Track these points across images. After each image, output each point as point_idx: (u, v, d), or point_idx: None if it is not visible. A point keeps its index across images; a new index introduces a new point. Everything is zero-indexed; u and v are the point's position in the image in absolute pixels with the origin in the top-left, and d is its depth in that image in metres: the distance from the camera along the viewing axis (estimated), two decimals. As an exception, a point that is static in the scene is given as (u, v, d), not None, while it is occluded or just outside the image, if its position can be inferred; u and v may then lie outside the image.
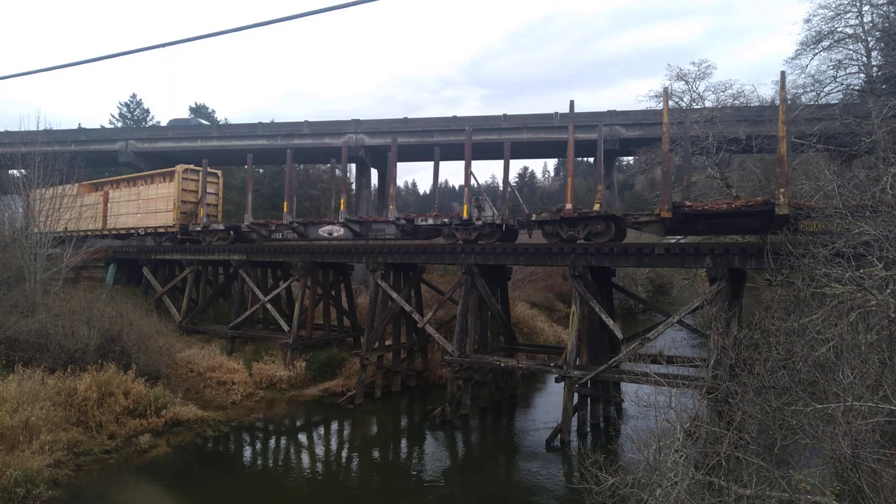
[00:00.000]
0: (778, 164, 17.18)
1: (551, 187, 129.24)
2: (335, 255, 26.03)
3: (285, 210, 27.52)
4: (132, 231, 33.07)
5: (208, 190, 31.31)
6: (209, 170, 31.58)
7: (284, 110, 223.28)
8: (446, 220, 23.15)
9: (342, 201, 26.27)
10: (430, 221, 23.76)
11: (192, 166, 31.93)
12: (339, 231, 26.23)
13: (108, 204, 34.10)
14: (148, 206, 32.09)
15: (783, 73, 17.92)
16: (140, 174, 31.85)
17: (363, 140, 45.85)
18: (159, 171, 32.33)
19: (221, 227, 29.68)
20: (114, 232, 34.11)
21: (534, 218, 21.54)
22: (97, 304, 23.67)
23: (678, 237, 25.37)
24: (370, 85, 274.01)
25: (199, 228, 30.16)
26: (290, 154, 28.83)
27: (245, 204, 30.35)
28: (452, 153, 46.09)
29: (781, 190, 16.74)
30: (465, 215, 22.33)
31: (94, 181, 29.45)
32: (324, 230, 26.70)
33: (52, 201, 28.33)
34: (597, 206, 20.23)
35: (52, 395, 17.78)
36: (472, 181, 22.60)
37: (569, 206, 20.24)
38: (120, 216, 34.11)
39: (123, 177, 32.44)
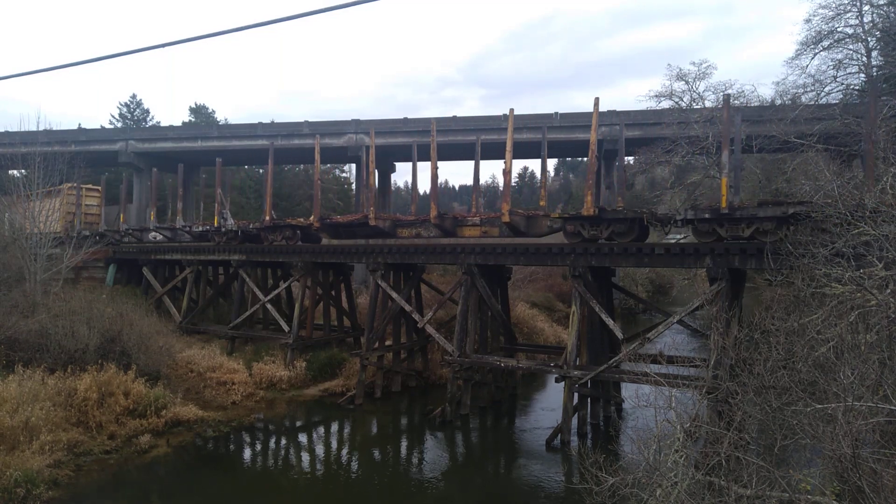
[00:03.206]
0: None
1: (551, 187, 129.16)
2: (335, 255, 26.09)
3: (122, 218, 35.12)
4: None
5: (89, 202, 37.23)
6: (92, 186, 37.68)
7: (284, 110, 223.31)
8: (208, 227, 30.82)
9: (152, 213, 33.81)
10: (201, 228, 31.54)
11: (75, 184, 36.30)
12: (159, 236, 33.21)
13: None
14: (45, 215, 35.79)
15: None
16: (48, 189, 33.70)
17: (363, 140, 45.83)
18: (55, 187, 34.82)
19: (88, 233, 33.84)
20: None
21: (255, 225, 29.05)
22: (97, 304, 23.65)
23: (679, 237, 25.44)
24: (370, 85, 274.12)
25: (74, 235, 33.91)
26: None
27: (113, 210, 36.81)
28: (452, 153, 46.09)
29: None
30: (215, 223, 30.01)
31: (27, 193, 31.87)
32: (151, 235, 33.46)
33: None
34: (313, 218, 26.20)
35: (52, 395, 17.77)
36: (221, 197, 30.47)
37: (267, 217, 27.98)
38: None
39: (42, 190, 34.26)
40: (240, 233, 29.16)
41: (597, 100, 19.92)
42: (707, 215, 17.82)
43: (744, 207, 17.37)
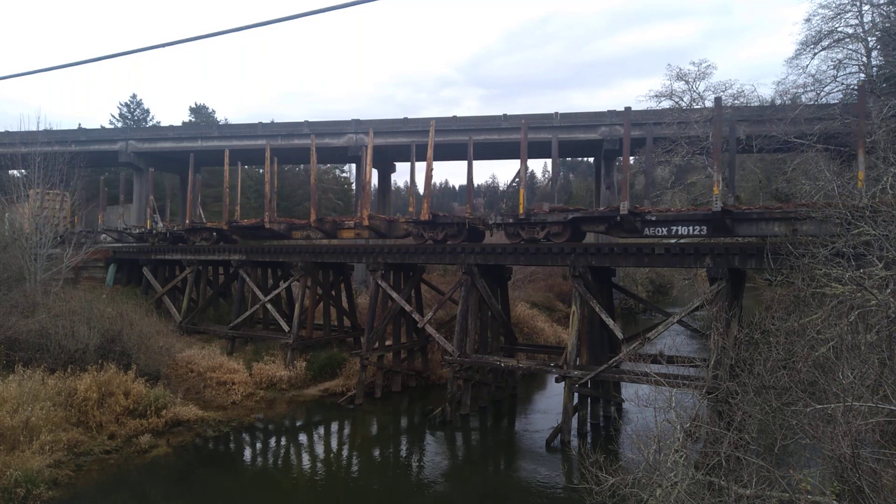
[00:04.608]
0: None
1: (550, 187, 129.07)
2: (335, 255, 26.11)
3: (77, 220, 37.46)
4: None
5: (55, 206, 39.24)
6: (58, 192, 38.48)
7: (284, 110, 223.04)
8: (144, 229, 34.11)
9: (101, 216, 36.80)
10: (137, 231, 34.52)
11: (39, 190, 37.07)
12: (109, 238, 35.95)
13: None
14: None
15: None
16: (26, 193, 34.37)
17: (363, 140, 45.82)
18: (27, 192, 35.23)
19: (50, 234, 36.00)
20: None
21: (179, 228, 32.57)
22: (97, 304, 23.66)
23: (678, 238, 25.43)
24: (369, 85, 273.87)
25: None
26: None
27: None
28: (453, 153, 46.07)
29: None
30: (148, 226, 33.68)
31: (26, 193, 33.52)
32: (101, 237, 35.55)
33: None
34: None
35: (53, 395, 17.77)
36: (152, 205, 34.30)
37: (188, 221, 31.71)
38: None
39: (24, 194, 34.87)
40: (168, 234, 32.84)
41: (433, 121, 24.68)
42: (511, 220, 21.17)
43: (537, 214, 20.75)
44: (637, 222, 18.94)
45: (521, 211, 20.90)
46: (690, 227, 18.47)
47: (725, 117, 28.82)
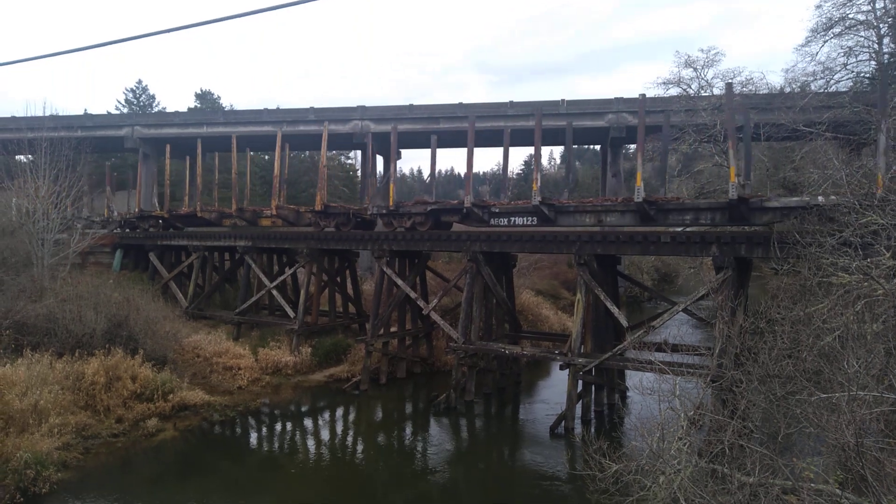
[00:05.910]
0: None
1: (557, 175, 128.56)
2: (341, 242, 26.14)
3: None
4: None
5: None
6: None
7: (289, 97, 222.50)
8: (103, 217, 37.19)
9: (68, 205, 36.31)
10: (99, 219, 37.27)
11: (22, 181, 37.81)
12: (78, 225, 36.32)
13: None
14: None
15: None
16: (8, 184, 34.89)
17: (369, 127, 45.67)
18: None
19: None
20: None
21: (130, 216, 35.76)
22: (104, 289, 23.80)
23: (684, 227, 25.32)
24: (375, 71, 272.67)
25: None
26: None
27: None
28: (458, 140, 45.89)
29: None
30: (105, 214, 37.12)
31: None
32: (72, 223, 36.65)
33: None
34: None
35: (61, 379, 17.95)
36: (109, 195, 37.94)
37: (138, 209, 35.60)
38: None
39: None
40: (123, 221, 36.26)
41: (327, 125, 27.26)
42: (384, 211, 24.04)
43: (404, 205, 23.72)
44: (484, 214, 21.78)
45: (391, 203, 23.58)
46: (524, 218, 21.21)
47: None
